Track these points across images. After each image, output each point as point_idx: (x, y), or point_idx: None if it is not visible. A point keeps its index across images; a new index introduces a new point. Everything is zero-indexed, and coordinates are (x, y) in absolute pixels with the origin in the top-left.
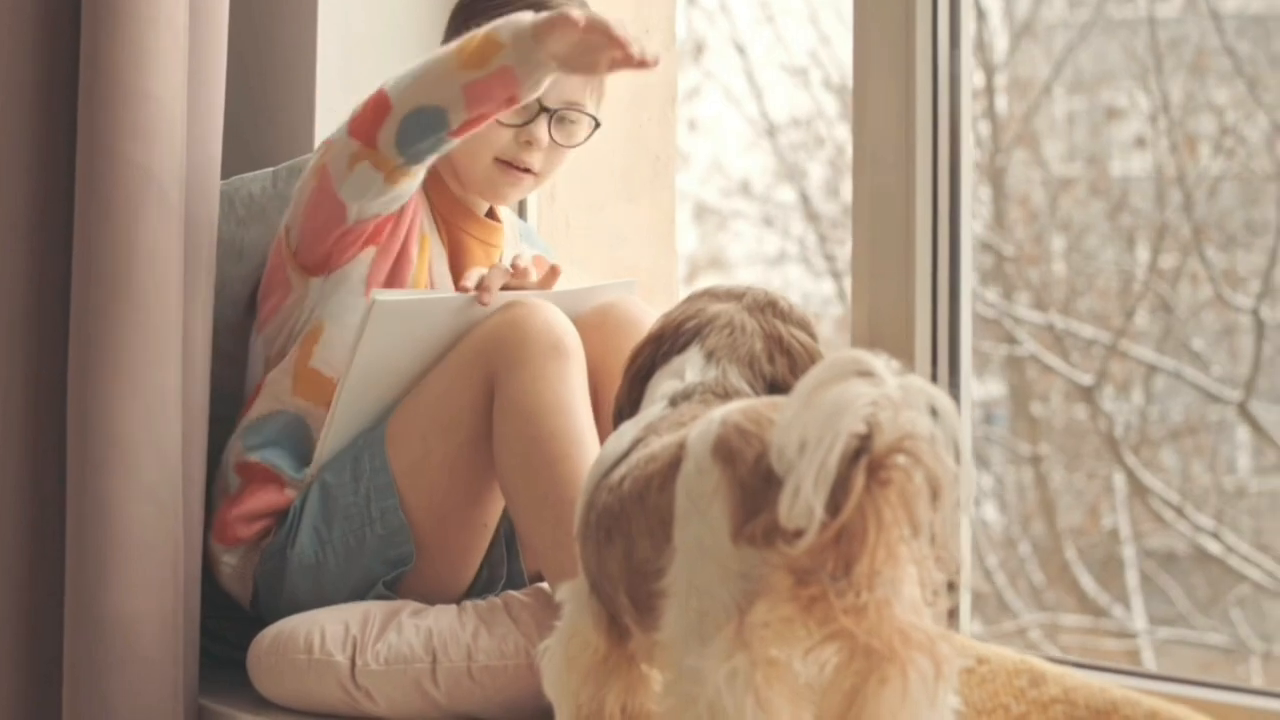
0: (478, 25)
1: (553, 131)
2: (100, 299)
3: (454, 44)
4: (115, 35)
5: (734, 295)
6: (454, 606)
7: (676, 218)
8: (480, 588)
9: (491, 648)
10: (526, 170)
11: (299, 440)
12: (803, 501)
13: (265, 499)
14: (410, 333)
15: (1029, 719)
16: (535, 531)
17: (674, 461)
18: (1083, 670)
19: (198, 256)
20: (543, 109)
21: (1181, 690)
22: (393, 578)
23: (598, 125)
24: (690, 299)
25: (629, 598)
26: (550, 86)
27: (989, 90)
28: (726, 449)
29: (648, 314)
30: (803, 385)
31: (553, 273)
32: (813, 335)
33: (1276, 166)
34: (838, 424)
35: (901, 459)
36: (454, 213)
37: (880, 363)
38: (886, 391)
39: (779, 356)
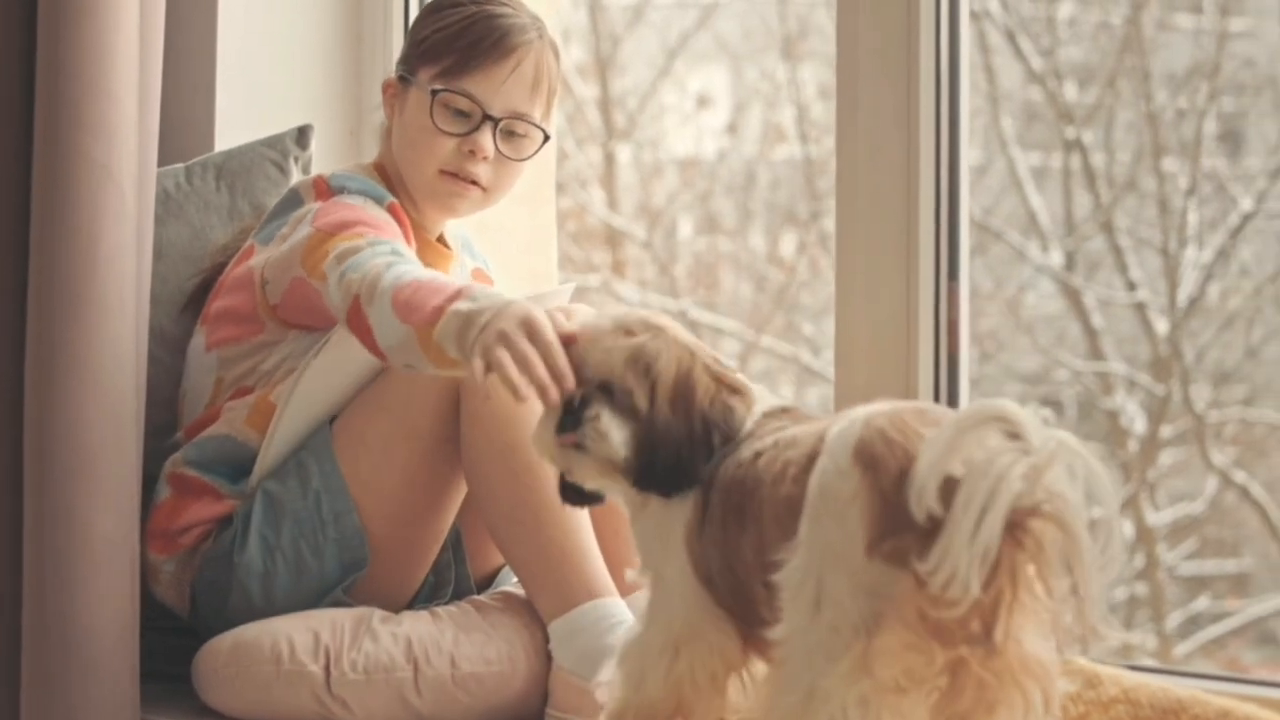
0: (430, 38)
1: (499, 144)
2: (63, 303)
3: (426, 322)
4: (78, 34)
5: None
6: (426, 612)
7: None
8: (427, 593)
9: (474, 654)
10: (473, 182)
11: (239, 461)
12: (960, 580)
13: (203, 508)
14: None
15: (1089, 719)
16: (512, 538)
17: (812, 454)
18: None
19: (143, 257)
20: (486, 117)
21: (1223, 687)
22: (350, 583)
23: (547, 138)
24: None
25: (768, 587)
26: (495, 95)
27: (602, 79)
28: (870, 455)
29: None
30: (950, 426)
31: None
32: None
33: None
34: (998, 498)
35: (1038, 523)
36: (414, 240)
37: (1028, 416)
38: (1037, 460)
39: None
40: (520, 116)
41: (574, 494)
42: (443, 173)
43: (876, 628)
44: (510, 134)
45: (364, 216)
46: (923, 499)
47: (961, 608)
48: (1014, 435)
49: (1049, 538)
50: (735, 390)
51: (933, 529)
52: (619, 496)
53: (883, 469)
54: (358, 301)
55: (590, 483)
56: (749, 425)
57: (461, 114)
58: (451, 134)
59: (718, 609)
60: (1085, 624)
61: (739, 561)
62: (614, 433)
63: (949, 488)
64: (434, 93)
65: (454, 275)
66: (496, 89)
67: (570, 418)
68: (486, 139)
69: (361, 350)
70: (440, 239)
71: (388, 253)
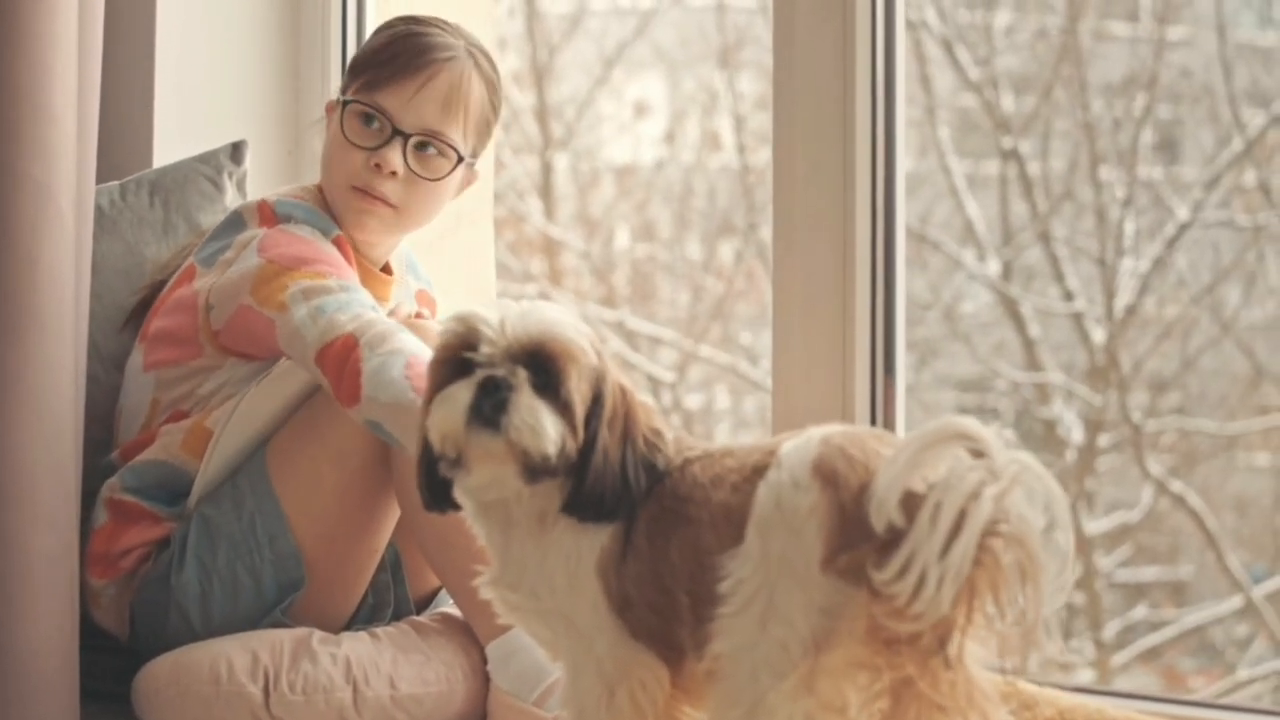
0: (359, 57)
1: (410, 160)
2: (1, 323)
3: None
4: (15, 53)
5: None
6: (365, 633)
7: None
8: (366, 614)
9: (412, 675)
10: (381, 200)
11: (176, 485)
12: (928, 596)
13: (142, 532)
14: (297, 381)
15: None
16: (446, 560)
17: (758, 467)
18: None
19: (82, 277)
20: (396, 132)
21: (1159, 708)
22: (287, 604)
23: (460, 159)
24: None
25: (691, 596)
26: (405, 109)
27: (539, 88)
28: (830, 470)
29: None
30: (911, 445)
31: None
32: None
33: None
34: (971, 518)
35: (999, 543)
36: (355, 266)
37: (990, 434)
38: (1003, 481)
39: None
40: (433, 134)
41: (442, 495)
42: (353, 188)
43: (825, 644)
44: (422, 151)
45: (320, 254)
46: (883, 510)
47: (925, 623)
48: (978, 454)
49: (1008, 557)
50: (659, 430)
51: (891, 542)
52: (487, 510)
53: (842, 484)
54: (350, 343)
55: (480, 471)
56: (676, 460)
57: (373, 128)
58: (360, 147)
59: (634, 641)
60: (1031, 642)
61: (666, 567)
62: (548, 425)
63: (910, 502)
64: (344, 104)
65: (395, 300)
66: (406, 103)
67: (493, 398)
68: (394, 154)
69: (300, 382)
70: (385, 265)
71: (371, 305)
